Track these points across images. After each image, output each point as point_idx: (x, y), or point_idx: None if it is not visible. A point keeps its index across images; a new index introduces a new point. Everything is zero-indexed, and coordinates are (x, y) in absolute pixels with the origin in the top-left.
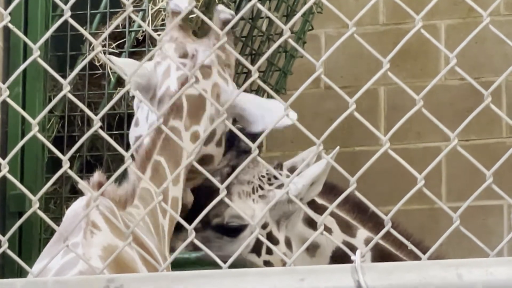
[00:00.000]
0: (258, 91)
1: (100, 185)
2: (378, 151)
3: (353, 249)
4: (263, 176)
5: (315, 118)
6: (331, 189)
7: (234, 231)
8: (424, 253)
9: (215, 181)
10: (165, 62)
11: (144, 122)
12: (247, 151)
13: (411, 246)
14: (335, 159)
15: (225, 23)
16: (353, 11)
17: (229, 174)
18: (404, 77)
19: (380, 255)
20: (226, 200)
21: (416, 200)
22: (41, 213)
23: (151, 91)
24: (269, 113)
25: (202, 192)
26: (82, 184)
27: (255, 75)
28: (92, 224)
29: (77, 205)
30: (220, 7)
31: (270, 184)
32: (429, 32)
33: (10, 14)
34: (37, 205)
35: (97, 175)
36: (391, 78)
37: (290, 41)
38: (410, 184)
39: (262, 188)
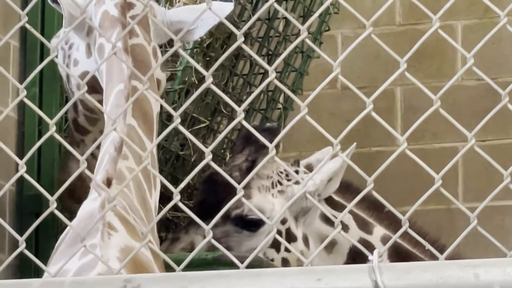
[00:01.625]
0: (275, 92)
1: (109, 182)
2: (394, 152)
3: (370, 246)
4: (281, 172)
5: (331, 118)
6: (347, 187)
7: (253, 224)
8: (440, 251)
9: (232, 181)
10: None
11: (85, 59)
12: (266, 146)
13: (428, 246)
14: (351, 160)
15: None
16: (369, 12)
17: (248, 169)
18: (421, 77)
19: (396, 252)
20: (244, 200)
21: (432, 200)
22: (58, 214)
23: (86, 25)
24: (207, 14)
25: (221, 187)
26: (99, 184)
27: (272, 75)
28: (108, 225)
29: (91, 206)
30: None
31: (288, 180)
32: (446, 32)
33: (27, 14)
34: (55, 205)
35: (106, 172)
36: (408, 79)
37: (308, 41)
38: (426, 184)
39: (280, 184)
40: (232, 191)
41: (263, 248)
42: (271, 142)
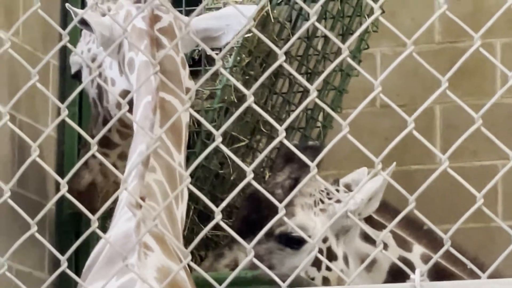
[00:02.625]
0: (314, 110)
1: (142, 199)
2: (434, 170)
3: (409, 264)
4: (322, 191)
5: (370, 136)
6: (385, 207)
7: (297, 242)
8: (479, 269)
9: (274, 200)
10: (122, 11)
11: (119, 77)
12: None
13: (470, 265)
14: (390, 178)
15: None
16: (408, 30)
17: (291, 186)
18: (460, 95)
19: (435, 270)
20: (285, 219)
21: (472, 218)
22: (100, 233)
23: (117, 44)
24: (233, 18)
25: (263, 205)
26: (139, 201)
27: (313, 94)
28: (144, 245)
29: (126, 226)
30: None
31: (329, 198)
32: (485, 50)
33: (68, 34)
34: (96, 224)
35: (138, 189)
36: (447, 97)
37: (349, 59)
38: (465, 202)
39: (322, 202)
40: (275, 209)
41: (305, 266)
42: (313, 160)
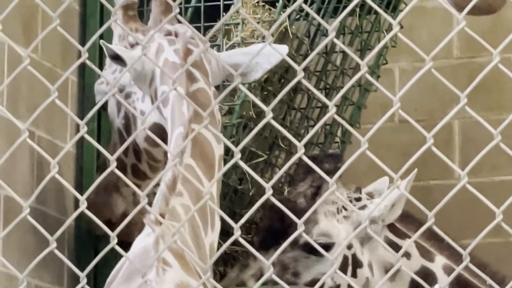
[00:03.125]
0: (333, 126)
1: (161, 216)
2: (452, 185)
3: (431, 274)
4: (345, 198)
5: (389, 151)
6: (408, 217)
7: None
8: (500, 283)
9: (292, 216)
10: (153, 43)
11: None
12: (330, 172)
13: (489, 281)
14: (409, 193)
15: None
16: (426, 45)
17: (313, 194)
18: (478, 110)
19: (457, 281)
20: (304, 235)
21: (491, 233)
22: (119, 249)
23: (148, 77)
24: (263, 57)
25: (287, 214)
26: (159, 218)
27: (332, 110)
28: (163, 261)
29: (145, 241)
30: None
31: (353, 205)
32: (503, 65)
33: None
34: (115, 241)
35: (158, 206)
36: (466, 112)
37: (367, 76)
38: (483, 217)
39: (345, 209)
40: (298, 218)
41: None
42: (334, 169)
